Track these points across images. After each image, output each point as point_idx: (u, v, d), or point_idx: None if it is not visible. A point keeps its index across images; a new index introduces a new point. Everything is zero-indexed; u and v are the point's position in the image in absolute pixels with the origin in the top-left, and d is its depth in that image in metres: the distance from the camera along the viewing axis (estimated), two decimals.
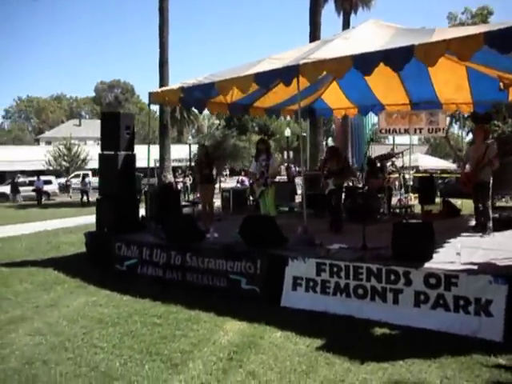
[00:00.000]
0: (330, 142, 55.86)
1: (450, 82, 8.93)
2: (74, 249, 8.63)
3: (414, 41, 5.09)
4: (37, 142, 54.13)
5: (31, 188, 25.16)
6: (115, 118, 7.09)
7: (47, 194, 26.41)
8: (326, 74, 5.60)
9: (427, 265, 4.47)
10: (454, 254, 4.71)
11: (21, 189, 26.00)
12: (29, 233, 10.88)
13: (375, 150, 16.43)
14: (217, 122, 49.31)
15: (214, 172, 8.03)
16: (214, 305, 5.14)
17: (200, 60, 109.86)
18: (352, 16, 26.14)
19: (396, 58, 4.99)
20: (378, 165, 8.94)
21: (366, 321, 4.49)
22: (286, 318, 4.69)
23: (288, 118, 12.18)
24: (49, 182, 27.18)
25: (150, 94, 7.43)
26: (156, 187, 10.84)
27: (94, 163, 39.04)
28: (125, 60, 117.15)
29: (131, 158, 7.23)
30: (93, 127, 56.85)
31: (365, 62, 5.19)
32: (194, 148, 31.42)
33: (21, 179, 28.70)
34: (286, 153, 21.02)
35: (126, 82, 68.93)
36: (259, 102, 9.85)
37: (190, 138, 32.89)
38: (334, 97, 10.60)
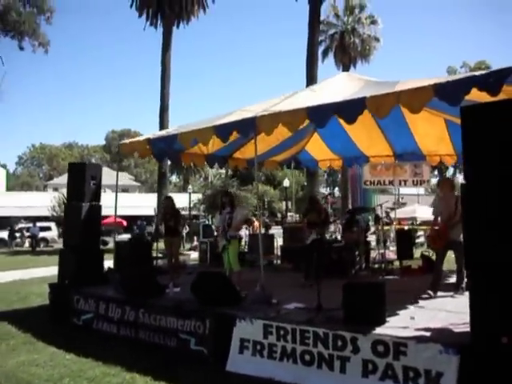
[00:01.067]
0: (337, 192, 55.89)
1: (431, 134, 8.83)
2: (41, 300, 8.32)
3: (373, 93, 5.01)
4: (45, 188, 55.00)
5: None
6: (81, 168, 7.04)
7: (46, 240, 26.37)
8: (282, 125, 5.49)
9: (378, 330, 4.10)
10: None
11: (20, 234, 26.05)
12: (4, 281, 10.65)
13: (380, 200, 16.16)
14: (222, 171, 49.82)
15: (181, 225, 7.87)
16: (157, 367, 4.80)
17: (201, 105, 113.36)
18: (352, 69, 26.85)
19: (348, 110, 4.89)
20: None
21: None
22: None
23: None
24: (48, 229, 27.22)
25: (120, 145, 7.43)
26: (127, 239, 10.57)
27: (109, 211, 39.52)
28: (135, 109, 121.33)
29: (96, 209, 7.09)
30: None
31: (318, 115, 5.09)
32: (194, 197, 31.71)
33: (23, 225, 28.86)
34: (284, 203, 20.86)
35: (137, 131, 70.73)
36: (239, 153, 9.80)
37: (190, 187, 33.03)
38: (317, 148, 10.53)
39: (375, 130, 9.16)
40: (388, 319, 4.41)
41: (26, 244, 25.18)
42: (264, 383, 4.36)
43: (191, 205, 28.49)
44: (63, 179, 51.93)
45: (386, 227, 9.57)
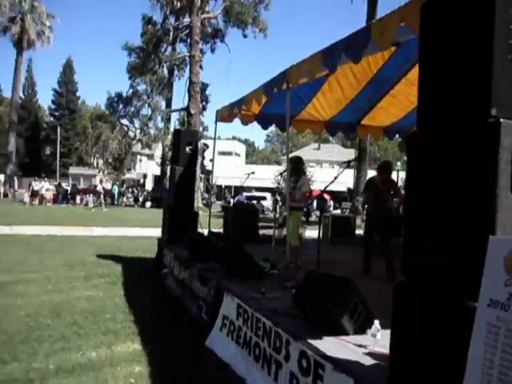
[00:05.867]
0: None
1: None
2: None
3: None
4: (281, 162, 60.88)
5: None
6: (178, 134, 7.52)
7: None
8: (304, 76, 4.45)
9: (315, 339, 3.01)
10: None
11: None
12: None
13: None
14: None
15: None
16: (156, 332, 4.76)
17: None
18: None
19: (355, 45, 3.61)
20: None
21: None
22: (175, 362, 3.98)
23: None
24: (263, 198, 30.19)
25: (216, 112, 7.57)
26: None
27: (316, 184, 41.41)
28: None
29: (190, 173, 7.46)
30: (330, 151, 59.90)
31: (330, 57, 3.94)
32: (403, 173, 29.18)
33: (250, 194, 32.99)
34: None
35: None
36: (368, 119, 8.54)
37: (399, 163, 30.57)
38: None
39: None
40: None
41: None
42: (222, 369, 3.86)
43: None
44: (295, 154, 56.42)
45: None
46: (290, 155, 6.30)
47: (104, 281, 6.88)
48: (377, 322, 2.96)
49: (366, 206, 6.75)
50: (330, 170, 53.28)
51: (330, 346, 2.91)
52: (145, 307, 5.59)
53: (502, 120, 1.80)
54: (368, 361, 2.70)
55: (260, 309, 3.71)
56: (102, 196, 24.89)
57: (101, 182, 27.94)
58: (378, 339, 2.92)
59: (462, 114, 1.95)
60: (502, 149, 1.79)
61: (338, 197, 29.31)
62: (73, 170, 47.71)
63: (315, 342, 2.96)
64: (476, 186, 1.84)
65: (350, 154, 64.74)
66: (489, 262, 1.63)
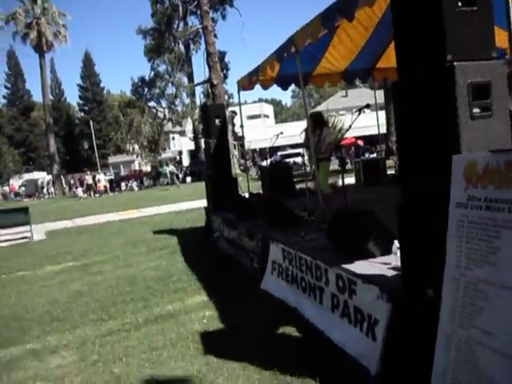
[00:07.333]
0: None
1: None
2: None
3: None
4: None
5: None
6: (205, 109, 8.10)
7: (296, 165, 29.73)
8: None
9: (347, 263, 3.63)
10: None
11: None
12: None
13: None
14: None
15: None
16: (217, 283, 5.56)
17: None
18: None
19: (347, 6, 3.99)
20: None
21: (300, 317, 4.09)
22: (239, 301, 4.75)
23: None
24: (298, 155, 30.45)
25: (238, 82, 8.05)
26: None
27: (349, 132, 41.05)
28: None
29: (223, 144, 8.07)
30: (358, 96, 58.54)
31: (328, 19, 4.33)
32: None
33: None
34: None
35: None
36: (383, 62, 8.75)
37: None
38: None
39: None
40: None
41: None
42: (279, 304, 4.58)
43: None
44: (324, 106, 55.62)
45: None
46: (312, 110, 6.77)
47: (164, 252, 7.77)
48: (396, 242, 3.53)
49: None
50: (361, 116, 52.40)
51: (360, 267, 3.52)
52: (204, 268, 6.38)
53: (455, 63, 2.26)
54: (390, 273, 3.30)
55: (301, 249, 4.37)
56: (174, 176, 27.04)
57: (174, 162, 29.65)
58: (399, 256, 3.49)
59: (426, 62, 2.41)
60: (459, 86, 2.26)
61: (372, 141, 29.15)
62: (112, 159, 49.65)
63: (348, 266, 3.58)
64: (443, 118, 2.33)
65: (379, 94, 63.06)
66: (453, 175, 2.15)
